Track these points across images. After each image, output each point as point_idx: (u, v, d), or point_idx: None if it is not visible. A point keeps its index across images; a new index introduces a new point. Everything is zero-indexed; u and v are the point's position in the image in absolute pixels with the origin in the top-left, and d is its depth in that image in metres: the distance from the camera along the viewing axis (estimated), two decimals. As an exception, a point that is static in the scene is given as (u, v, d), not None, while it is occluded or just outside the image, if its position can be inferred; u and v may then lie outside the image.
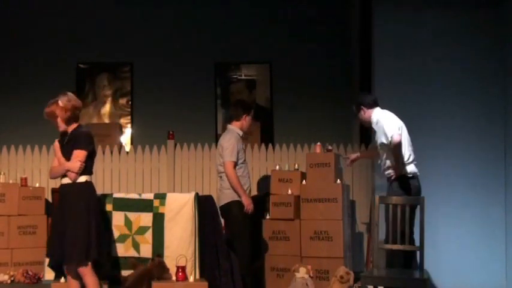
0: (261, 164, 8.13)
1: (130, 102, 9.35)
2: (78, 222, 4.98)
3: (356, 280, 5.70)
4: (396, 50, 6.85)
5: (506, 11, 6.78)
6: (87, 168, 5.16)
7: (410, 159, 5.94)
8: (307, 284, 5.77)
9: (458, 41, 6.83)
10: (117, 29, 9.20)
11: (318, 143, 6.82)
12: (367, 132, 7.78)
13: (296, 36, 9.21)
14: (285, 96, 9.22)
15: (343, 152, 8.10)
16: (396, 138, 5.74)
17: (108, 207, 5.74)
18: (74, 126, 5.20)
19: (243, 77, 9.49)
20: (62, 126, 5.19)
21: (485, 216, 6.68)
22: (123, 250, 5.71)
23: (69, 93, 5.27)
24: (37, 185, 7.51)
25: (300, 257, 6.36)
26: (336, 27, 9.22)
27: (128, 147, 8.84)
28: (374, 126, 6.05)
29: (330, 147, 6.85)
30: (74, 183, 5.09)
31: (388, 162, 5.95)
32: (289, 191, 6.53)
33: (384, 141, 5.87)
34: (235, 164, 6.14)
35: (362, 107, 6.09)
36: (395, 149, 5.78)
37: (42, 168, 8.04)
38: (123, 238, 5.72)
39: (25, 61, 9.13)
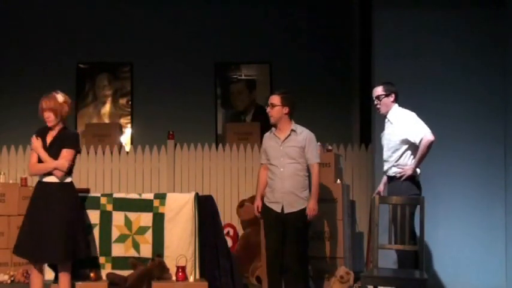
0: (261, 164, 8.12)
1: (130, 102, 9.36)
2: (65, 222, 4.98)
3: (356, 280, 5.70)
4: (396, 50, 6.85)
5: (506, 11, 6.78)
6: (71, 169, 5.15)
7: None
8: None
9: (458, 42, 6.83)
10: (117, 29, 9.21)
11: (318, 143, 6.81)
12: (367, 132, 7.79)
13: (296, 36, 9.22)
14: (285, 96, 9.22)
15: (343, 152, 8.11)
16: (431, 137, 5.56)
17: (108, 207, 5.73)
18: (61, 125, 5.21)
19: (243, 77, 9.50)
20: (54, 122, 5.15)
21: (485, 216, 6.68)
22: (123, 250, 5.71)
23: (60, 92, 5.29)
24: (37, 185, 7.51)
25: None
26: (336, 27, 9.23)
27: (128, 147, 8.85)
28: (393, 119, 5.79)
29: (330, 147, 6.85)
30: (62, 183, 5.08)
31: (402, 160, 5.71)
32: (289, 191, 6.52)
33: (410, 138, 5.62)
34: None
35: (393, 94, 5.81)
36: (426, 147, 5.57)
37: (42, 168, 8.03)
38: (123, 238, 5.71)
39: (25, 61, 9.14)
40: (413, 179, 5.69)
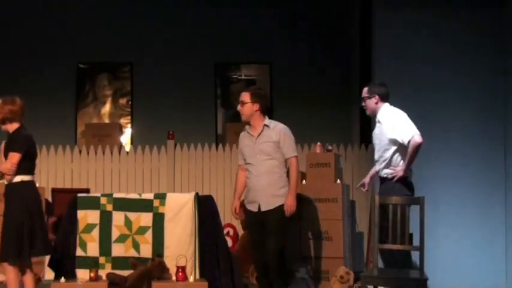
0: (261, 164, 8.12)
1: (130, 102, 9.37)
2: (11, 222, 5.06)
3: (356, 280, 5.70)
4: (396, 50, 6.85)
5: (506, 12, 6.78)
6: (25, 168, 5.23)
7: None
8: (307, 284, 5.78)
9: (458, 42, 6.83)
10: (117, 29, 9.21)
11: (318, 143, 6.82)
12: (367, 132, 7.79)
13: (296, 36, 9.22)
14: (285, 96, 9.23)
15: (343, 152, 8.11)
16: (419, 139, 5.49)
17: (108, 207, 5.74)
18: (14, 127, 5.27)
19: (243, 77, 9.50)
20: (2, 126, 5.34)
21: (485, 216, 6.68)
22: (123, 250, 5.71)
23: (12, 98, 5.40)
24: (37, 185, 7.50)
25: (300, 257, 6.36)
26: (336, 27, 9.23)
27: (128, 147, 8.85)
28: (382, 119, 5.74)
29: (330, 147, 6.85)
30: (9, 184, 5.19)
31: (394, 161, 5.66)
32: (289, 191, 6.52)
33: (398, 138, 5.57)
34: None
35: (377, 96, 5.71)
36: (414, 149, 5.51)
37: (42, 168, 8.05)
38: (123, 238, 5.71)
39: (25, 61, 9.14)
40: (405, 180, 5.62)
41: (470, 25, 6.84)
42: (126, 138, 9.27)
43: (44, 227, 5.26)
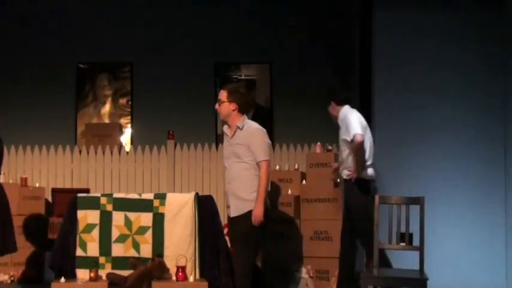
0: (261, 164, 8.12)
1: (130, 102, 9.36)
2: None
3: (356, 280, 5.69)
4: (396, 51, 6.85)
5: (506, 12, 6.78)
6: None
7: (369, 162, 5.88)
8: (307, 284, 5.77)
9: (458, 43, 6.83)
10: (117, 29, 9.21)
11: (318, 143, 6.82)
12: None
13: (296, 36, 9.22)
14: (285, 96, 9.23)
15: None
16: (359, 138, 5.67)
17: (108, 207, 5.73)
18: None
19: (243, 77, 9.50)
20: None
21: (485, 216, 6.68)
22: (123, 250, 5.70)
23: None
24: (37, 185, 7.53)
25: (300, 257, 6.36)
26: (336, 27, 9.22)
27: (128, 147, 8.85)
28: (340, 122, 5.96)
29: (330, 147, 6.86)
30: None
31: (349, 162, 5.86)
32: (289, 191, 6.54)
33: (347, 138, 5.78)
34: None
35: (332, 102, 6.06)
36: (356, 148, 5.70)
37: (42, 168, 8.06)
38: (123, 238, 5.71)
39: (25, 61, 9.14)
40: (362, 180, 5.78)
41: (470, 25, 6.84)
42: (126, 138, 9.27)
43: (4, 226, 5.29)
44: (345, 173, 5.88)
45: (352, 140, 5.70)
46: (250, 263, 5.09)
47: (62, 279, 5.43)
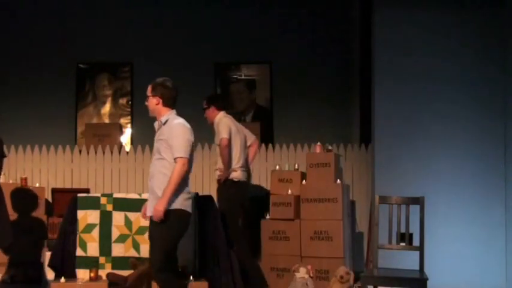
0: (261, 164, 8.13)
1: (130, 102, 9.36)
2: None
3: (356, 280, 5.70)
4: (396, 50, 6.85)
5: (506, 11, 6.78)
6: None
7: (238, 165, 6.43)
8: (307, 284, 5.77)
9: (458, 41, 6.83)
10: (117, 29, 9.21)
11: (318, 143, 6.82)
12: (367, 132, 7.79)
13: (296, 36, 9.22)
14: (285, 96, 9.23)
15: (343, 152, 8.11)
16: (223, 142, 6.33)
17: (108, 207, 5.74)
18: None
19: (243, 77, 9.50)
20: None
21: (485, 216, 6.68)
22: (123, 250, 5.71)
23: None
24: (37, 185, 7.53)
25: (300, 257, 6.36)
26: (336, 27, 9.23)
27: (128, 147, 8.85)
28: (215, 126, 6.54)
29: (330, 147, 6.85)
30: None
31: (219, 163, 6.47)
32: (289, 191, 6.53)
33: (217, 142, 6.43)
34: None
35: (212, 106, 6.64)
36: (221, 151, 6.37)
37: (42, 168, 8.06)
38: (123, 238, 5.72)
39: (25, 61, 9.14)
40: (230, 183, 6.38)
41: (470, 24, 6.84)
42: (126, 138, 9.27)
43: None
44: (217, 174, 6.51)
45: (219, 144, 6.38)
46: (171, 257, 4.88)
47: (62, 279, 5.43)
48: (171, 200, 4.75)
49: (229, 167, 6.38)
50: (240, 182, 6.44)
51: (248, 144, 6.73)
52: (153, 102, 4.98)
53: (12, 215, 6.66)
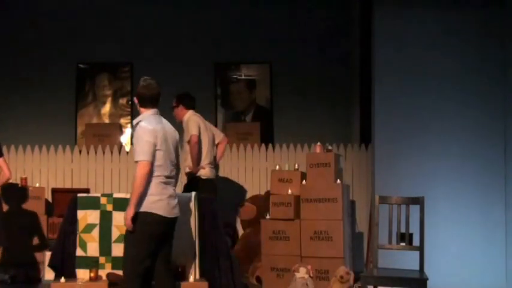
0: (261, 164, 8.14)
1: (130, 102, 9.36)
2: None
3: (356, 280, 5.70)
4: (397, 50, 6.84)
5: (506, 11, 6.78)
6: None
7: (206, 162, 6.76)
8: (307, 284, 5.77)
9: (459, 39, 6.83)
10: (117, 29, 9.21)
11: (318, 143, 6.81)
12: (367, 132, 7.79)
13: (296, 36, 9.22)
14: (285, 96, 9.23)
15: (343, 152, 8.11)
16: (193, 139, 6.59)
17: (108, 207, 5.73)
18: None
19: (243, 77, 9.50)
20: None
21: (485, 216, 6.68)
22: (123, 250, 5.70)
23: None
24: (37, 185, 7.53)
25: (300, 257, 6.36)
26: (336, 27, 9.23)
27: (127, 147, 8.85)
28: (183, 124, 6.78)
29: (330, 147, 6.85)
30: None
31: (188, 160, 6.69)
32: (289, 191, 6.53)
33: (186, 139, 6.65)
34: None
35: (181, 105, 6.88)
36: (191, 148, 6.62)
37: (42, 168, 8.06)
38: (123, 238, 5.71)
39: (25, 61, 9.14)
40: (198, 180, 6.66)
41: (470, 24, 6.83)
42: (126, 138, 9.27)
43: None
44: (186, 170, 6.72)
45: (189, 141, 6.63)
46: (140, 262, 4.67)
47: (62, 279, 5.43)
48: (138, 204, 4.60)
49: (198, 164, 6.72)
50: (208, 179, 6.79)
51: (216, 142, 7.05)
52: (136, 104, 4.86)
53: (13, 215, 6.67)
